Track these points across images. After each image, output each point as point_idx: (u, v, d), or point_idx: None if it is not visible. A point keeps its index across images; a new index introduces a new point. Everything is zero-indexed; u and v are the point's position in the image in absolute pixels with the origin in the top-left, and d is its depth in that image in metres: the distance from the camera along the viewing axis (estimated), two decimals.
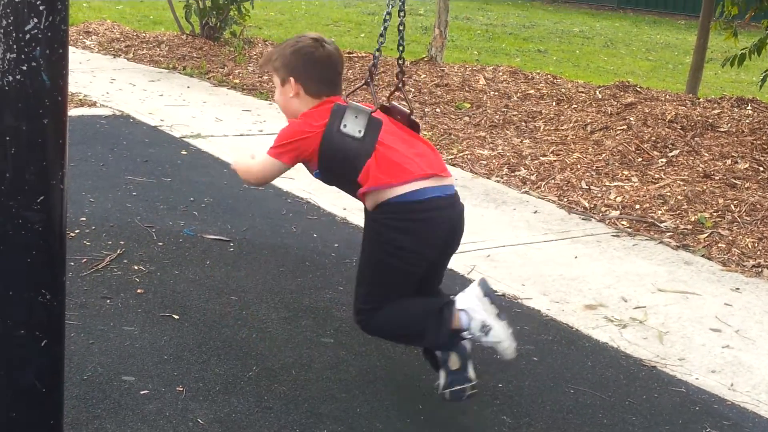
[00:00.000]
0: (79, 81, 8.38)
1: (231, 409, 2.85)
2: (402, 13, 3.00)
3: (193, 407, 2.84)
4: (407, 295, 2.90)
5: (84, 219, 4.48)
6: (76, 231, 4.28)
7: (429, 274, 2.98)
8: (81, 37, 11.21)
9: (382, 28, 3.02)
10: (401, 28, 3.05)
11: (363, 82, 3.15)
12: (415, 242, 2.82)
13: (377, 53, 3.06)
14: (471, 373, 2.80)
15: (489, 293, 2.84)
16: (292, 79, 3.01)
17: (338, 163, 2.86)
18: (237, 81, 9.14)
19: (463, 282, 4.16)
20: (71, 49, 9.53)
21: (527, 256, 4.61)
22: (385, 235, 2.82)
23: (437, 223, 2.85)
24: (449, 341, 2.81)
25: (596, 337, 3.70)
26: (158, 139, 6.46)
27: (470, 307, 2.82)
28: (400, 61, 3.09)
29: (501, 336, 2.81)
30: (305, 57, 3.01)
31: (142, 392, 2.90)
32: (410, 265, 2.84)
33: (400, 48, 3.04)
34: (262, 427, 2.77)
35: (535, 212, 5.42)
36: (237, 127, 7.11)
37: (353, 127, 2.83)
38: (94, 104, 7.49)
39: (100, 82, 8.55)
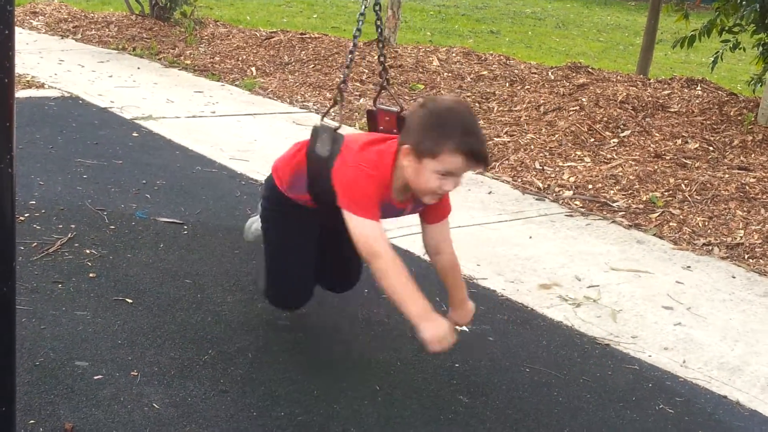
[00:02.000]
0: (27, 62, 8.21)
1: (187, 393, 2.83)
2: (377, 6, 2.99)
3: (148, 392, 2.81)
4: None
5: (33, 203, 4.40)
6: (26, 215, 4.20)
7: None
8: (27, 17, 10.99)
9: (351, 45, 3.05)
10: (380, 30, 3.05)
11: (332, 102, 3.16)
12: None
13: (347, 71, 3.09)
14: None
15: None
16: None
17: None
18: (188, 62, 9.03)
19: (418, 263, 4.17)
20: (17, 29, 9.32)
21: (482, 236, 4.63)
22: None
23: None
24: None
25: (551, 317, 3.73)
26: (108, 121, 6.36)
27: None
28: (382, 59, 3.08)
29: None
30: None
31: (95, 377, 2.86)
32: None
33: (380, 44, 3.04)
34: (219, 410, 2.75)
35: (490, 193, 5.44)
36: (189, 108, 7.03)
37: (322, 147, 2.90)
38: (42, 86, 7.34)
39: (47, 63, 8.39)
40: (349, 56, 3.11)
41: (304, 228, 3.13)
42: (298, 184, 2.99)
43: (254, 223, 3.53)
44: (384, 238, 2.68)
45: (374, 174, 2.71)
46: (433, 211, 2.96)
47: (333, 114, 3.23)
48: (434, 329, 2.61)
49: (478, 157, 2.60)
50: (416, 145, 2.62)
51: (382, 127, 3.13)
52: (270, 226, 3.20)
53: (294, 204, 3.07)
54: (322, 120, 2.92)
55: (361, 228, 2.66)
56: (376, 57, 9.12)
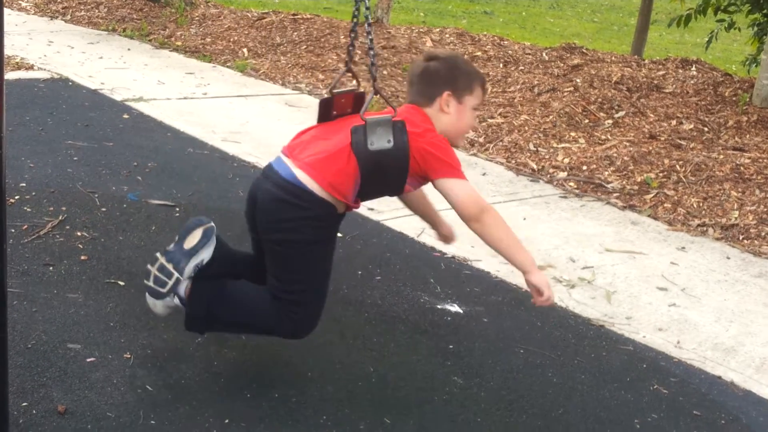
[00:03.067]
0: (16, 43, 8.14)
1: (180, 375, 2.81)
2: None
3: (141, 374, 2.79)
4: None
5: (24, 185, 4.36)
6: (16, 197, 4.16)
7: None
8: None
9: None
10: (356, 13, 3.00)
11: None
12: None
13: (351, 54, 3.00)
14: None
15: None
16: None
17: None
18: (179, 43, 8.97)
19: (412, 245, 4.16)
20: (6, 10, 9.26)
21: None
22: None
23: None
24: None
25: None
26: (99, 102, 6.31)
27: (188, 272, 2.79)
28: (351, 48, 3.01)
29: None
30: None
31: (88, 360, 2.84)
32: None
33: (353, 29, 3.00)
34: (212, 392, 2.74)
35: (484, 174, 5.42)
36: (180, 90, 6.98)
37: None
38: (31, 67, 7.29)
39: (37, 44, 8.32)
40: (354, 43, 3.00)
41: (335, 246, 2.88)
42: (357, 191, 2.73)
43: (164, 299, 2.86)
44: (480, 197, 2.79)
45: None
46: None
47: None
48: (543, 277, 2.80)
49: (485, 85, 2.98)
50: (455, 88, 2.84)
51: (335, 112, 2.86)
52: (316, 251, 2.76)
53: (337, 220, 2.80)
54: (362, 114, 2.71)
55: (467, 189, 2.74)
56: (368, 39, 9.07)
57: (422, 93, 2.87)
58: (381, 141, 2.65)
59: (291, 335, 2.85)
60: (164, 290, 2.76)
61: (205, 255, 2.82)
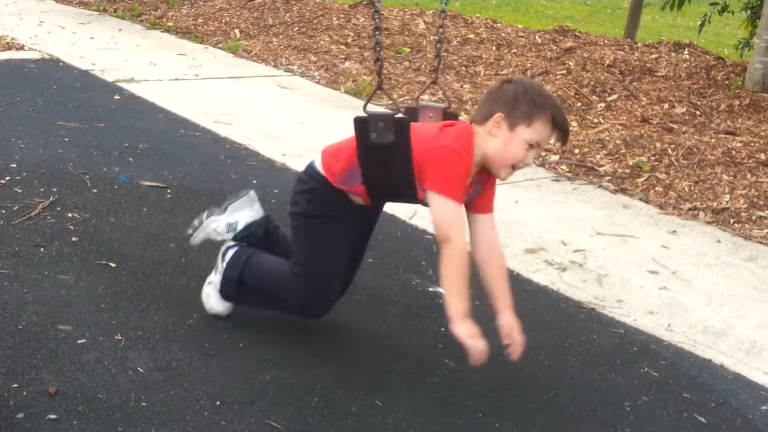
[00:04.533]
0: (6, 23, 8.09)
1: (171, 357, 2.81)
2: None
3: (132, 356, 2.79)
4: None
5: (14, 166, 4.34)
6: (7, 178, 4.15)
7: None
8: None
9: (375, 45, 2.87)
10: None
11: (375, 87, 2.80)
12: None
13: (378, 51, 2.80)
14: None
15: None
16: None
17: None
18: (171, 24, 8.92)
19: (404, 227, 4.16)
20: None
21: None
22: None
23: None
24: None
25: (537, 281, 3.73)
26: (90, 83, 6.28)
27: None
28: (437, 60, 2.98)
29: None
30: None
31: (79, 341, 2.84)
32: None
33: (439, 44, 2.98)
34: (204, 374, 2.73)
35: None
36: (172, 71, 6.95)
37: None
38: (22, 47, 7.24)
39: (27, 24, 8.27)
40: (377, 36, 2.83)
41: (346, 232, 2.91)
42: (352, 176, 2.75)
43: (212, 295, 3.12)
44: (461, 226, 2.65)
45: (464, 155, 2.65)
46: (486, 199, 2.86)
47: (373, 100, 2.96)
48: (470, 329, 2.60)
49: (564, 131, 2.72)
50: (511, 113, 2.65)
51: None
52: (315, 226, 2.87)
53: (342, 200, 2.83)
54: (365, 108, 2.63)
55: (445, 210, 2.61)
56: (362, 20, 9.04)
57: (481, 109, 2.77)
58: (382, 135, 2.60)
59: (301, 310, 2.96)
60: (191, 231, 3.16)
61: (240, 217, 3.10)
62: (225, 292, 3.04)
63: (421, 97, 2.98)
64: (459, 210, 2.66)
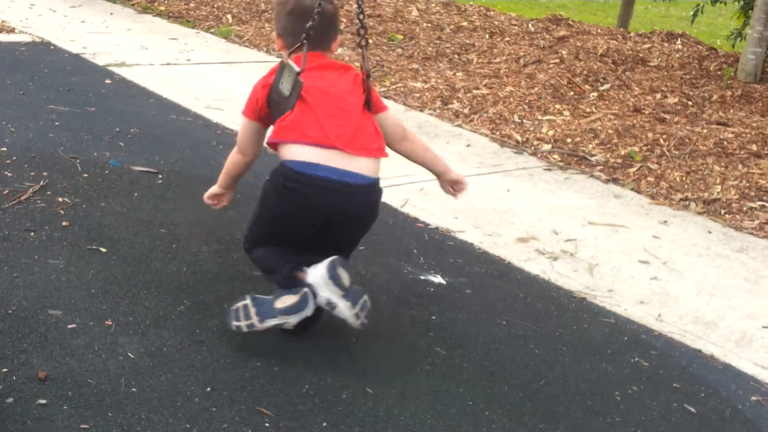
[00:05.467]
0: None
1: (162, 343, 2.80)
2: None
3: (122, 341, 2.78)
4: (288, 245, 2.88)
5: (4, 149, 4.31)
6: None
7: (321, 238, 2.87)
8: None
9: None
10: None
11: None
12: (287, 211, 2.80)
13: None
14: (288, 320, 2.76)
15: (335, 276, 2.73)
16: (274, 33, 3.02)
17: (272, 119, 2.88)
18: (162, 8, 8.87)
19: (396, 215, 4.15)
20: None
21: None
22: (269, 191, 2.84)
23: (313, 204, 2.76)
24: (287, 288, 2.81)
25: (528, 270, 3.73)
26: (81, 67, 6.24)
27: (316, 283, 2.77)
28: (361, 17, 2.97)
29: (345, 314, 2.77)
30: (278, 8, 2.99)
31: (69, 326, 2.82)
32: (285, 225, 2.85)
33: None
34: (194, 360, 2.73)
35: (468, 146, 5.41)
36: (163, 55, 6.91)
37: (285, 85, 2.79)
38: (12, 30, 7.18)
39: (18, 7, 8.20)
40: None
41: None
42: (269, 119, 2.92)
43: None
44: (243, 136, 3.07)
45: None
46: (374, 102, 2.97)
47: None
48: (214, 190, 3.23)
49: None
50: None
51: None
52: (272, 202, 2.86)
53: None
54: (290, 54, 2.82)
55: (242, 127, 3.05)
56: (354, 6, 9.00)
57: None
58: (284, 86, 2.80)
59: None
60: (236, 323, 2.79)
61: (292, 320, 2.78)
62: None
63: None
64: (247, 125, 3.00)
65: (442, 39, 7.96)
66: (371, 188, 2.84)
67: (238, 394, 2.58)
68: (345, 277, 2.75)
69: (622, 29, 8.59)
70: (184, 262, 3.37)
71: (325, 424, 2.49)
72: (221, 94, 5.89)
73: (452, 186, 3.19)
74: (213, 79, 6.33)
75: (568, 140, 5.51)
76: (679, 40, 7.88)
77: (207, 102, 5.66)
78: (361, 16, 2.93)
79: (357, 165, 2.77)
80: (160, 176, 4.24)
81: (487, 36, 8.13)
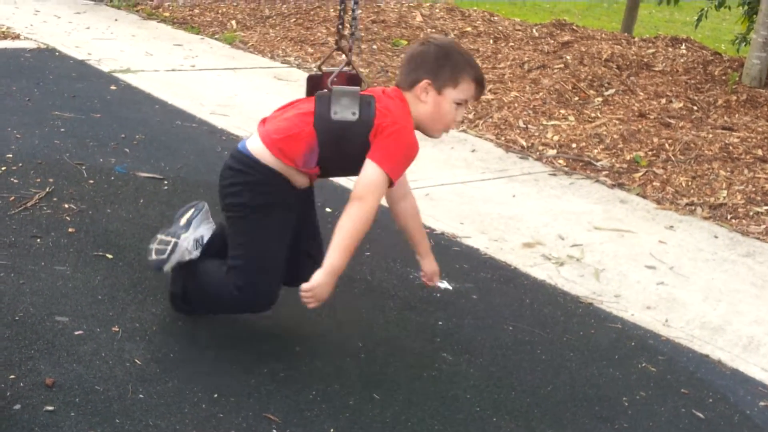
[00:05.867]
0: (1, 12, 8.05)
1: (169, 349, 2.80)
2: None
3: (129, 347, 2.78)
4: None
5: (10, 156, 4.32)
6: (3, 168, 4.13)
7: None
8: None
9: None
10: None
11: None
12: None
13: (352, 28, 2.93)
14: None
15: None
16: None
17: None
18: (167, 14, 8.89)
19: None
20: None
21: (465, 194, 4.61)
22: None
23: None
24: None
25: (534, 275, 3.72)
26: (86, 73, 6.26)
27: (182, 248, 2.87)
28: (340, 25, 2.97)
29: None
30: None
31: (76, 333, 2.82)
32: None
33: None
34: (201, 366, 2.72)
35: (473, 151, 5.41)
36: (168, 61, 6.92)
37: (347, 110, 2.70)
38: (17, 37, 7.21)
39: (23, 13, 8.23)
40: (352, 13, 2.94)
41: (290, 219, 2.85)
42: (313, 156, 2.71)
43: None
44: (380, 197, 2.69)
45: (411, 129, 2.74)
46: None
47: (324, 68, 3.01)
48: (328, 284, 2.67)
49: (483, 84, 2.83)
50: (436, 77, 2.72)
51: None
52: (257, 217, 2.78)
53: (285, 189, 2.78)
54: (320, 68, 2.74)
55: (376, 179, 2.63)
56: (358, 12, 9.01)
57: (406, 76, 2.79)
58: (345, 112, 2.66)
59: (242, 305, 2.87)
60: (164, 256, 2.82)
61: (204, 231, 2.93)
62: (174, 305, 2.98)
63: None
64: (386, 185, 2.68)
65: None
66: (236, 152, 2.82)
67: (245, 401, 2.57)
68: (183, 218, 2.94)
69: (626, 34, 8.60)
70: None
71: (332, 430, 2.49)
72: (226, 100, 5.89)
73: (424, 273, 3.09)
74: (218, 85, 6.34)
75: (573, 145, 5.51)
76: (683, 44, 7.88)
77: (212, 108, 5.67)
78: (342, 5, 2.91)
79: (254, 135, 2.81)
80: (165, 182, 4.24)
81: (491, 41, 8.14)
